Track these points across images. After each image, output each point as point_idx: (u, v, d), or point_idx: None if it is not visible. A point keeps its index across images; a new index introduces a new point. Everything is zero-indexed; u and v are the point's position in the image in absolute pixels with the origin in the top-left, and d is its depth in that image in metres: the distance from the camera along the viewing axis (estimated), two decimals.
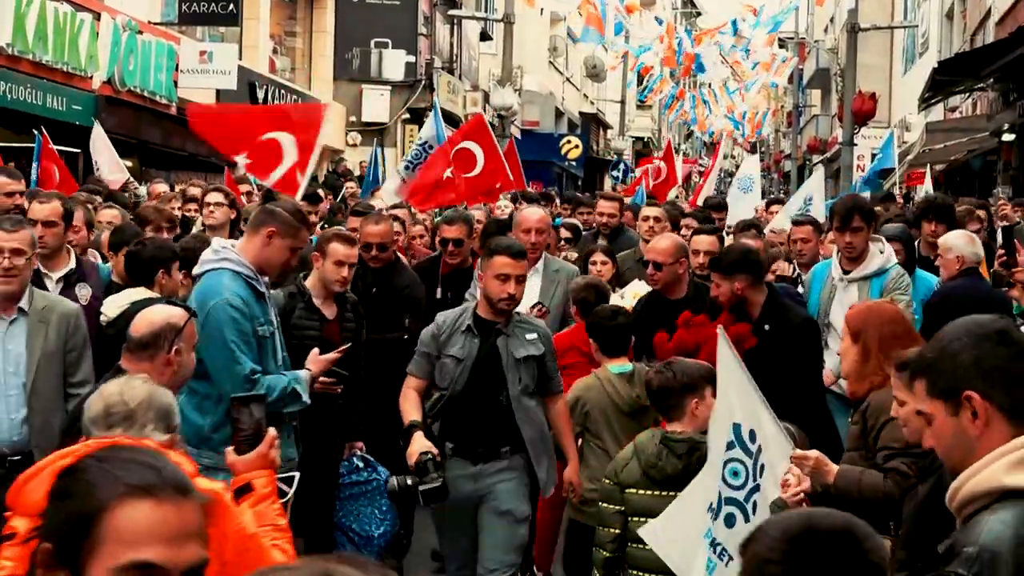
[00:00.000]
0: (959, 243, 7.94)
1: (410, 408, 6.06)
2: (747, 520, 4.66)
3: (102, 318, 6.41)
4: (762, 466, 4.74)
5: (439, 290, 8.55)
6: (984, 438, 2.80)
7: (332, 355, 6.32)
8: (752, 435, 4.74)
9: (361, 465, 6.98)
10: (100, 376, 5.70)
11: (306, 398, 5.85)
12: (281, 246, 5.78)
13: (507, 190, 13.04)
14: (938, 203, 9.43)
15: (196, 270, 5.94)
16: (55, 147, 12.05)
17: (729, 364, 4.80)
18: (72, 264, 7.05)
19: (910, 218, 10.48)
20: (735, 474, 4.78)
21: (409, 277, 8.25)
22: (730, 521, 4.70)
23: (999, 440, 2.77)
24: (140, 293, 6.47)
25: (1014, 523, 2.64)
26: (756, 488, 4.72)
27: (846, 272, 7.47)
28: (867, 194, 15.76)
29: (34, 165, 11.48)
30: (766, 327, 6.51)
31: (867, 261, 7.43)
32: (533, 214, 8.57)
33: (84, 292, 6.93)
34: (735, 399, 4.74)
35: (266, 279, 5.95)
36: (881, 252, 7.49)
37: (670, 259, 7.31)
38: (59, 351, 5.89)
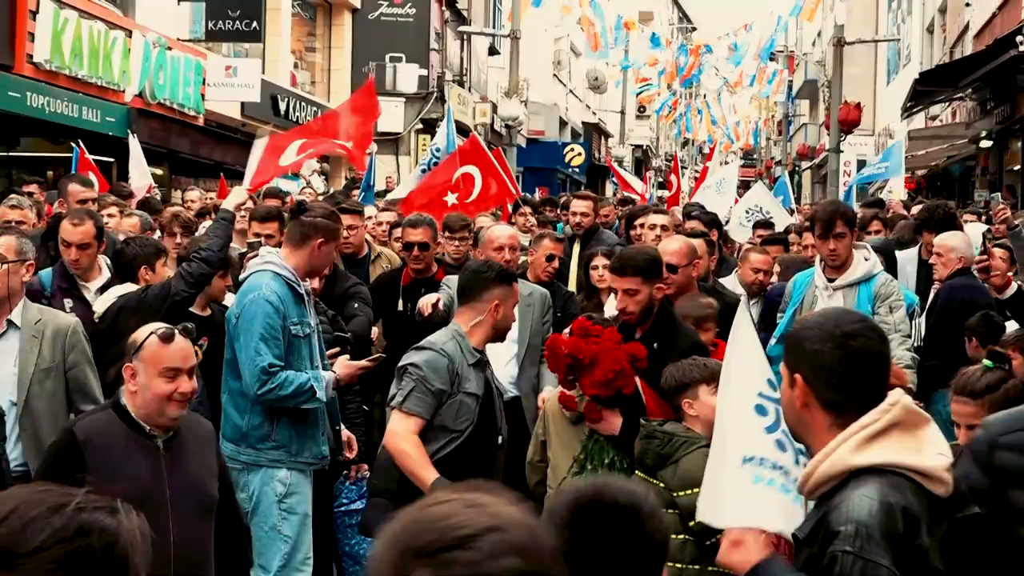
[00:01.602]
0: (961, 244, 8.02)
1: (423, 460, 5.00)
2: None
3: (95, 315, 6.31)
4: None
5: (400, 301, 7.72)
6: (805, 416, 3.03)
7: (363, 362, 6.03)
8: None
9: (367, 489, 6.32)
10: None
11: (321, 395, 5.64)
12: (328, 250, 5.91)
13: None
14: (940, 213, 9.02)
15: (242, 275, 5.93)
16: (91, 157, 12.10)
17: (746, 337, 4.61)
18: (106, 275, 6.86)
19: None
20: (762, 410, 4.52)
21: (351, 280, 7.61)
22: (782, 446, 4.36)
23: (818, 420, 2.99)
24: (125, 288, 6.52)
25: (874, 495, 2.78)
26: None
27: (830, 280, 6.86)
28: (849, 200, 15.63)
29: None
30: (654, 345, 5.58)
31: (852, 268, 6.85)
32: (504, 231, 7.68)
33: None
34: (754, 370, 4.55)
35: (307, 284, 5.91)
36: (866, 259, 6.91)
37: (684, 260, 6.47)
38: (56, 367, 5.50)
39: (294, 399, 5.58)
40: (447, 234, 8.43)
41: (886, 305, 6.65)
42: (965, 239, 8.21)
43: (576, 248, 9.81)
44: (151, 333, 4.23)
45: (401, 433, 5.02)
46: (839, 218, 6.86)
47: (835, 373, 2.94)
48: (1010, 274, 7.52)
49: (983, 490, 3.36)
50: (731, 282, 8.33)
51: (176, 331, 4.27)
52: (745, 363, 4.07)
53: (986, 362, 4.43)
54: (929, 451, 2.88)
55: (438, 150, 13.49)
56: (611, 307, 6.37)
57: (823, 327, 3.01)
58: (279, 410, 5.62)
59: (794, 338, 3.09)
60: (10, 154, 16.55)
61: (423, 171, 13.58)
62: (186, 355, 4.28)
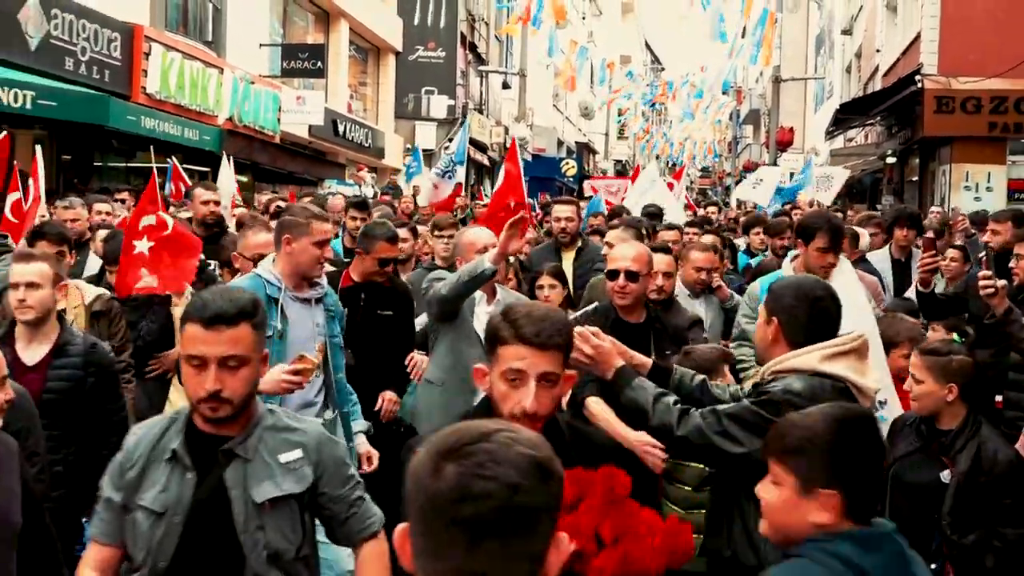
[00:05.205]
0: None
1: None
2: None
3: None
4: None
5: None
6: (773, 347, 3.20)
7: (295, 367, 3.90)
8: None
9: None
10: None
11: None
12: (300, 247, 4.39)
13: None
14: (908, 213, 8.20)
15: None
16: (190, 167, 12.06)
17: (853, 290, 4.40)
18: None
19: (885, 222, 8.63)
20: None
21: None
22: None
23: (782, 351, 3.17)
24: None
25: (806, 382, 3.03)
26: None
27: None
28: (777, 205, 15.31)
29: (168, 185, 11.53)
30: None
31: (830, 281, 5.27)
32: (484, 233, 5.27)
33: None
34: (860, 320, 4.31)
35: (320, 290, 4.55)
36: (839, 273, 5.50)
37: (645, 268, 4.60)
38: None
39: None
40: (436, 232, 7.04)
41: None
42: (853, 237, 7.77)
43: (571, 258, 7.48)
44: None
45: (80, 570, 2.69)
46: (844, 234, 5.42)
47: (803, 325, 3.15)
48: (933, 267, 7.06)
49: None
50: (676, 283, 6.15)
51: None
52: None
53: (955, 336, 4.34)
54: (870, 376, 3.15)
55: (450, 154, 13.36)
56: None
57: (800, 290, 3.22)
58: None
59: (777, 292, 3.25)
60: (128, 165, 16.56)
61: (438, 174, 13.48)
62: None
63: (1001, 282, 4.97)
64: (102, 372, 4.35)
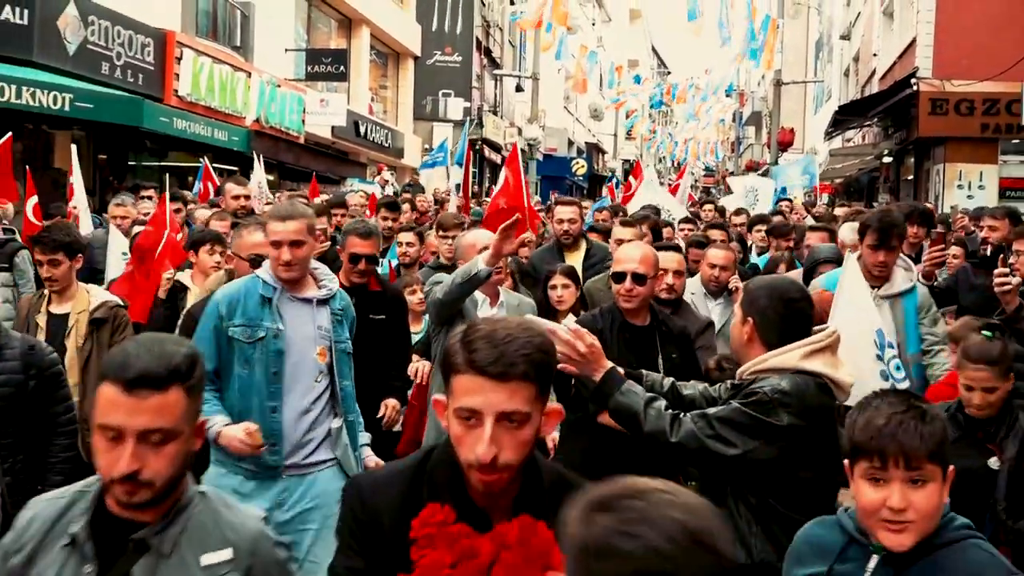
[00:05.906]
0: (842, 232, 7.48)
1: None
2: None
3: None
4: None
5: None
6: (747, 346, 3.12)
7: (241, 442, 3.73)
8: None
9: None
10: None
11: None
12: (270, 250, 4.07)
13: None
14: (920, 209, 7.80)
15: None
16: (219, 166, 12.14)
17: (856, 284, 4.19)
18: None
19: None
20: (898, 368, 4.20)
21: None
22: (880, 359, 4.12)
23: (756, 351, 3.09)
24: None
25: (792, 382, 2.95)
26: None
27: (872, 287, 4.80)
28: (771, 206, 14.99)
29: (197, 184, 11.63)
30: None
31: (893, 279, 4.93)
32: (484, 235, 4.96)
33: None
34: (866, 310, 4.13)
35: (326, 292, 4.13)
36: (906, 270, 5.04)
37: (652, 271, 4.19)
38: None
39: None
40: (440, 233, 6.65)
41: (930, 317, 4.99)
42: (848, 228, 7.18)
43: (577, 258, 6.88)
44: None
45: None
46: (895, 230, 4.98)
47: (776, 325, 3.06)
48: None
49: None
50: (694, 283, 5.95)
51: None
52: (858, 308, 4.02)
53: (986, 333, 4.19)
54: (844, 370, 3.06)
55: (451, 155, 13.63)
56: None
57: (774, 291, 3.13)
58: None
59: (752, 292, 3.17)
60: (161, 164, 16.68)
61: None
62: None
63: (1016, 280, 4.84)
64: (42, 374, 3.91)
